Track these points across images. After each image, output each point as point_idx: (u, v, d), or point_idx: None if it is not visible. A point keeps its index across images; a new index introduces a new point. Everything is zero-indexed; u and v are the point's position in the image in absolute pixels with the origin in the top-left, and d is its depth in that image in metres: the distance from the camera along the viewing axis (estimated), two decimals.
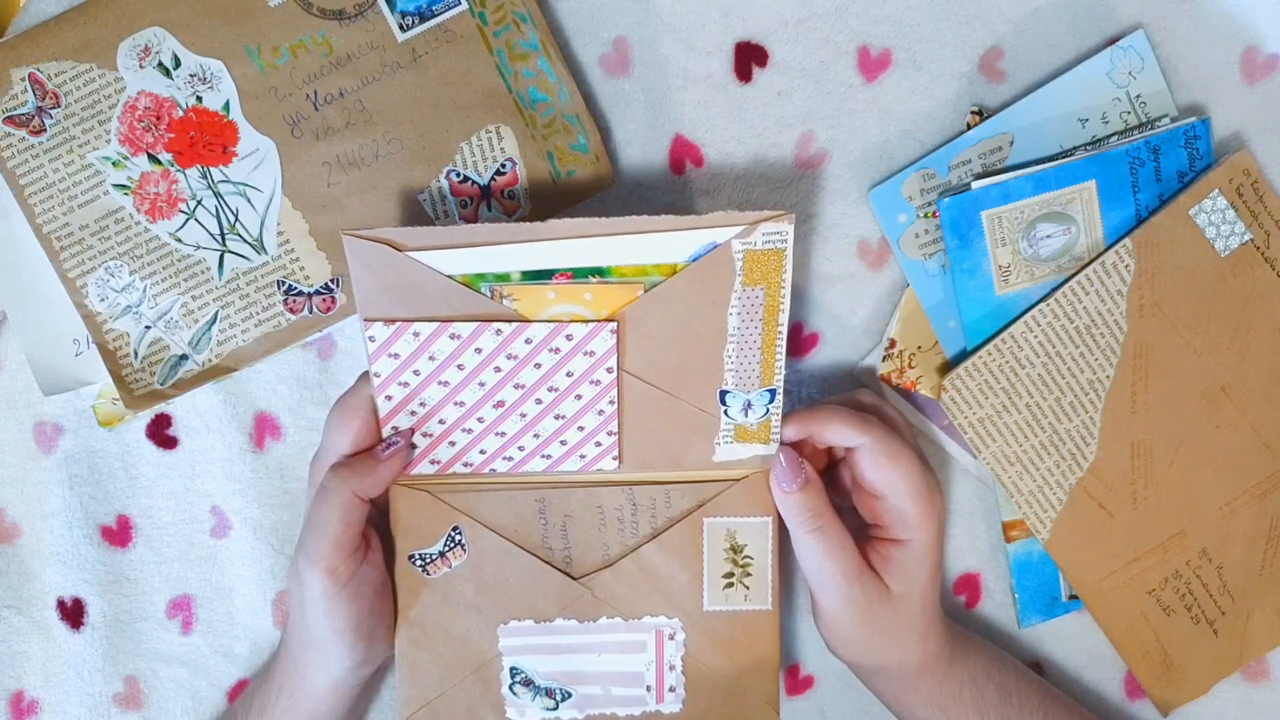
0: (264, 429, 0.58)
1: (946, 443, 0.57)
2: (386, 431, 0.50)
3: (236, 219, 0.53)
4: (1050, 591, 0.58)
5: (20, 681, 0.59)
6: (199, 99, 0.53)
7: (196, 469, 0.58)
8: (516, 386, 0.49)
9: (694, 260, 0.47)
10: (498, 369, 0.49)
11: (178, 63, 0.53)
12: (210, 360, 0.54)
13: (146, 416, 0.57)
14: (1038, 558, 0.57)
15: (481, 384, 0.49)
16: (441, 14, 0.53)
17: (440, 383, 0.49)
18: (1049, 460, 0.55)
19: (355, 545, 0.49)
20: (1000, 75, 0.55)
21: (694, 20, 0.55)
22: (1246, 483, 0.57)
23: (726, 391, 0.50)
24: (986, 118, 0.54)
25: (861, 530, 0.53)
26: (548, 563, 0.52)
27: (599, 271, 0.47)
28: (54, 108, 0.53)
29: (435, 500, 0.51)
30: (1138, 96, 0.54)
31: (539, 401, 0.49)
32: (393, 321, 0.47)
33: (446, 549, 0.51)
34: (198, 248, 0.54)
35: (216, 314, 0.54)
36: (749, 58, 0.55)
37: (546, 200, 0.54)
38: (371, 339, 0.48)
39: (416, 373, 0.48)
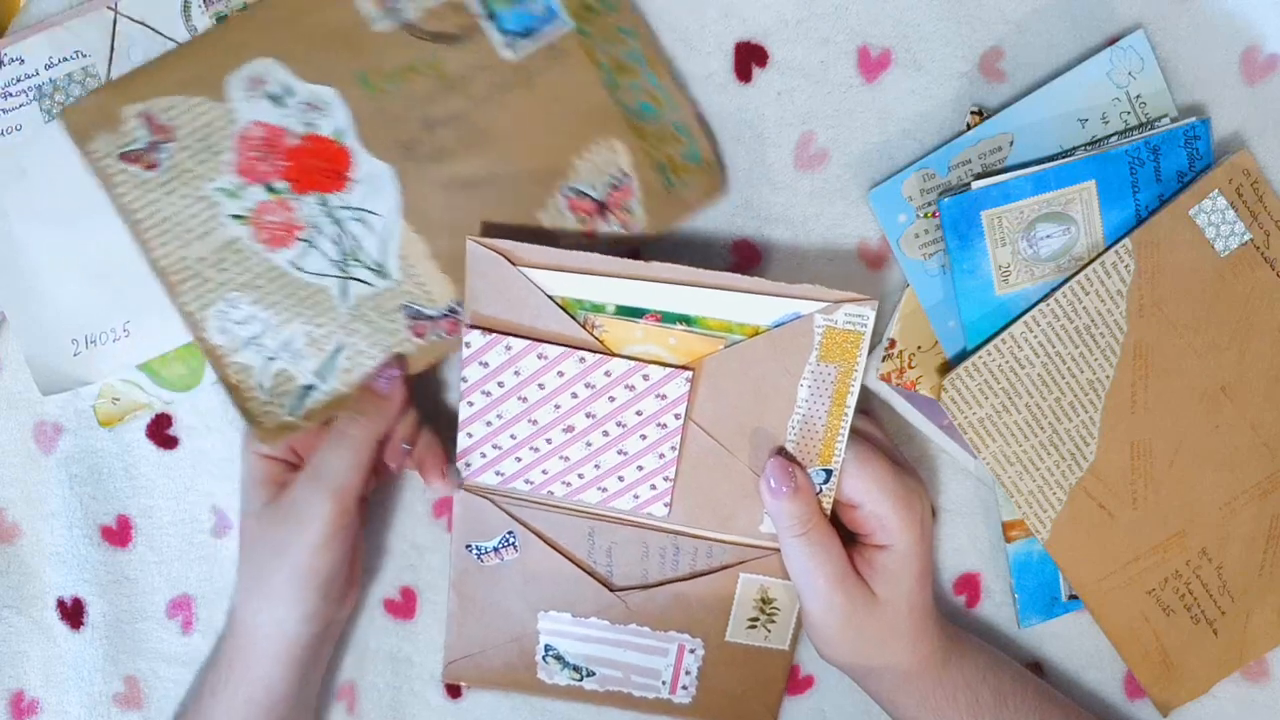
0: None
1: (946, 443, 0.57)
2: (462, 439, 0.52)
3: (357, 245, 0.53)
4: (1050, 591, 0.58)
5: (20, 681, 0.59)
6: (312, 126, 0.53)
7: (197, 469, 0.58)
8: (588, 415, 0.51)
9: (776, 326, 0.49)
10: (574, 395, 0.50)
11: (289, 91, 0.52)
12: (338, 389, 0.54)
13: (146, 416, 0.57)
14: (1038, 558, 0.57)
15: (557, 406, 0.51)
16: (546, 32, 0.52)
17: (520, 398, 0.51)
18: (1049, 460, 0.55)
19: (361, 485, 0.52)
20: (1000, 75, 0.55)
21: (694, 20, 0.55)
22: (1246, 483, 0.57)
23: None
24: (986, 118, 0.54)
25: (848, 537, 0.53)
26: (590, 574, 0.55)
27: (686, 319, 0.49)
28: (166, 142, 0.52)
29: (494, 507, 0.54)
30: (1138, 96, 0.54)
31: (606, 434, 0.51)
32: (489, 332, 0.49)
33: (500, 546, 0.54)
34: (319, 275, 0.53)
35: (341, 343, 0.54)
36: (749, 58, 0.55)
37: (661, 211, 0.54)
38: (467, 345, 0.50)
39: (501, 384, 0.50)
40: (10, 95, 0.53)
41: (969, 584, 0.60)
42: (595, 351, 0.50)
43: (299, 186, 0.53)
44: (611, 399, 0.50)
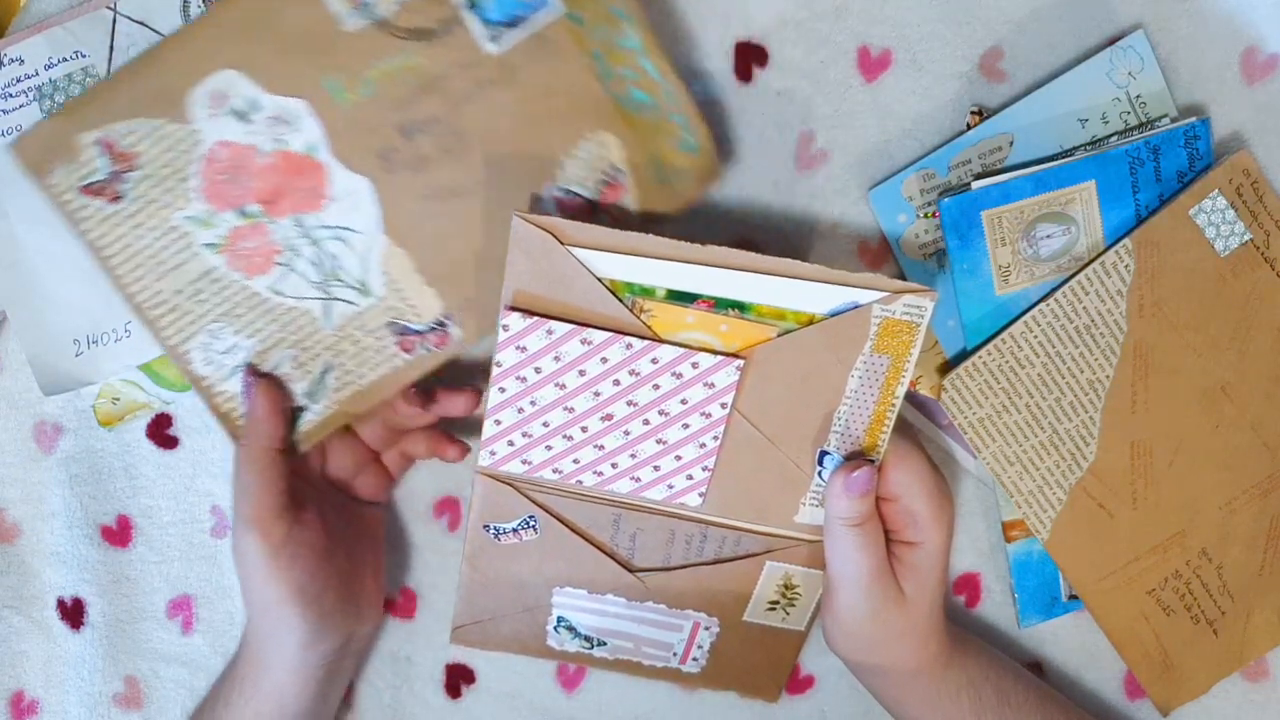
0: None
1: (947, 443, 0.58)
2: (489, 427, 0.50)
3: (337, 264, 0.51)
4: (1050, 591, 0.58)
5: (20, 681, 0.59)
6: (282, 143, 0.50)
7: (197, 469, 0.58)
8: (629, 403, 0.49)
9: (832, 315, 0.47)
10: (616, 382, 0.49)
11: (255, 106, 0.49)
12: (330, 408, 0.53)
13: (146, 416, 0.57)
14: (1038, 558, 0.57)
15: (597, 393, 0.49)
16: (534, 20, 0.49)
17: (557, 384, 0.49)
18: (1049, 460, 0.55)
19: (283, 504, 0.50)
20: (1000, 75, 0.55)
21: (694, 20, 0.55)
22: (1246, 483, 0.57)
23: (826, 452, 0.50)
24: (986, 118, 0.54)
25: None
26: (611, 556, 0.54)
27: (739, 306, 0.47)
28: (128, 171, 0.50)
29: (516, 493, 0.52)
30: (1137, 96, 0.54)
31: (646, 423, 0.50)
32: (530, 315, 0.47)
33: (520, 528, 0.53)
34: (300, 299, 0.51)
35: (329, 363, 0.52)
36: (749, 58, 0.55)
37: (655, 204, 0.52)
38: (505, 328, 0.47)
39: (538, 370, 0.48)
40: (10, 95, 0.52)
41: (969, 584, 0.60)
42: (643, 337, 0.47)
43: (273, 209, 0.50)
44: (656, 387, 0.48)
